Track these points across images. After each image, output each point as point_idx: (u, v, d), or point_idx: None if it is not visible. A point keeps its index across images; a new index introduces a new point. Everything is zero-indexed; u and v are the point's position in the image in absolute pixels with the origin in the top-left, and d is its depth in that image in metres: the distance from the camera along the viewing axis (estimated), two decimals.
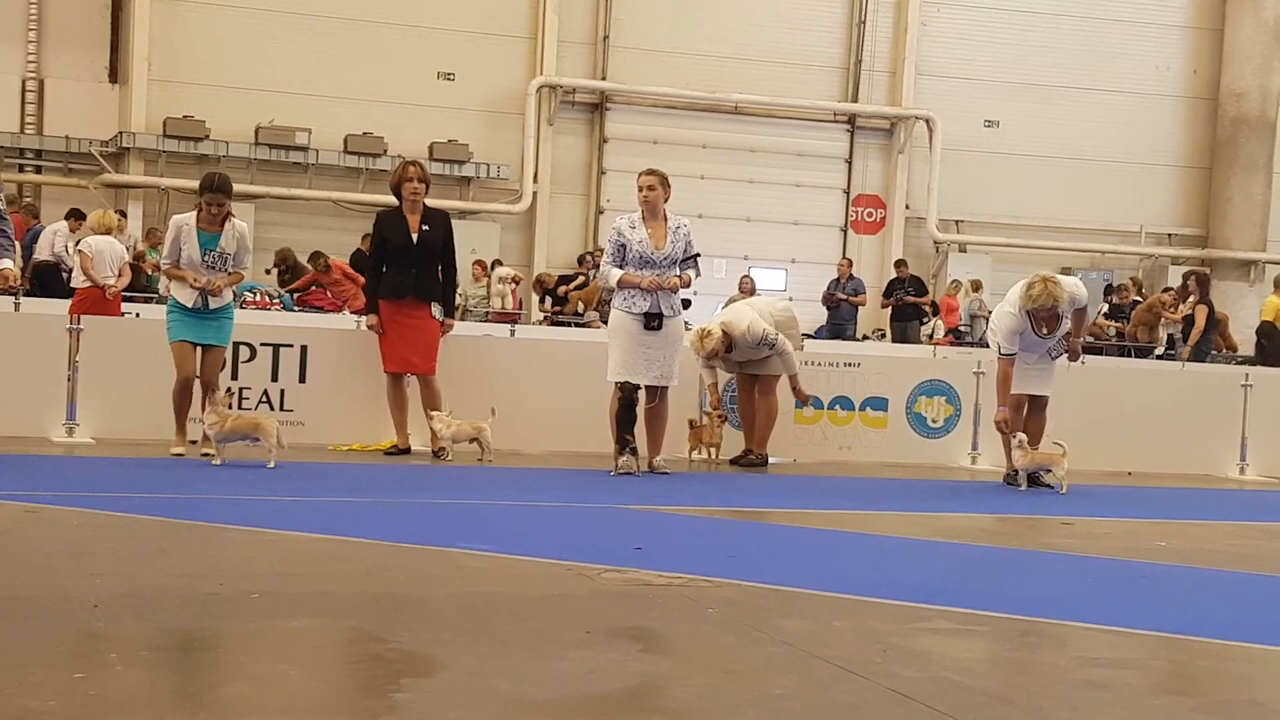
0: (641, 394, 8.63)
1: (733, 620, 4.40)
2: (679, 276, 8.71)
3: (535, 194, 22.97)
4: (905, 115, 24.39)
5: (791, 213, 24.16)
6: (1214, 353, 18.83)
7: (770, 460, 9.73)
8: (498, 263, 20.56)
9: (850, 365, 10.51)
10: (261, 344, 9.27)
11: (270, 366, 9.27)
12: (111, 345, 9.11)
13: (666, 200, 8.79)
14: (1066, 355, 9.23)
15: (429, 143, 21.99)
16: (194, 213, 8.52)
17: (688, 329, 9.39)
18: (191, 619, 4.10)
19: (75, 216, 16.40)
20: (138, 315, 12.89)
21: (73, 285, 12.49)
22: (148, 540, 5.49)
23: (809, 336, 16.71)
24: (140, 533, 5.63)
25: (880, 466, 10.00)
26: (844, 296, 20.86)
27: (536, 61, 22.91)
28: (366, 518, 6.36)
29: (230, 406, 8.47)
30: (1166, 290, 20.91)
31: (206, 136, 21.40)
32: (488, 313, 19.09)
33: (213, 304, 8.37)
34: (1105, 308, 21.78)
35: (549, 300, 20.36)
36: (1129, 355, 19.65)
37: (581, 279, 20.37)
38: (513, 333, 15.08)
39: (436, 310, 9.15)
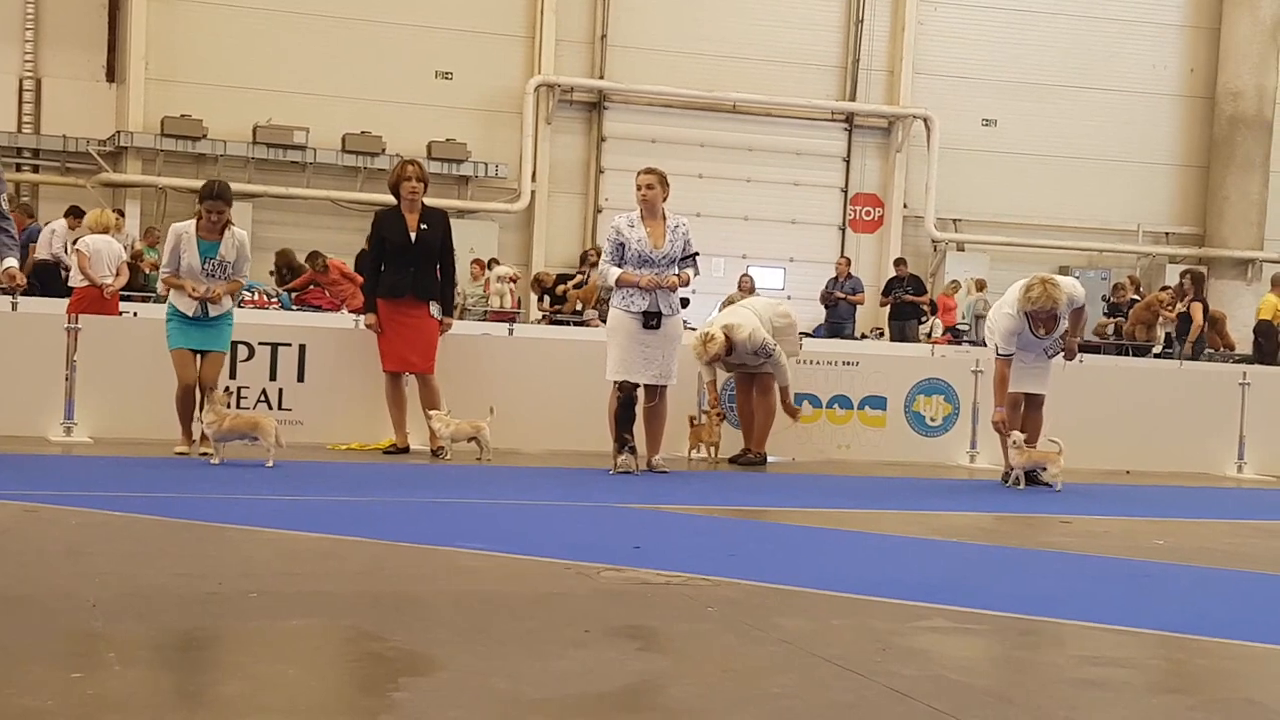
0: (640, 393, 8.63)
1: (732, 619, 4.40)
2: (677, 275, 8.71)
3: (533, 193, 22.96)
4: (903, 114, 24.39)
5: (789, 211, 24.17)
6: (1210, 351, 18.85)
7: (769, 459, 9.73)
8: (494, 261, 20.56)
9: (849, 364, 10.52)
10: (260, 343, 9.26)
11: (269, 365, 9.26)
12: (109, 344, 9.10)
13: (665, 199, 8.79)
14: (1063, 355, 9.23)
15: (427, 142, 21.97)
16: (193, 221, 8.53)
17: (687, 328, 9.39)
18: (190, 618, 4.10)
19: (74, 215, 16.39)
20: (135, 314, 12.88)
21: (71, 284, 12.48)
22: (146, 539, 5.49)
23: (807, 335, 16.71)
24: (139, 532, 5.63)
25: (879, 465, 10.00)
26: (842, 295, 20.86)
27: (534, 60, 22.91)
28: (365, 517, 6.36)
29: (229, 405, 8.46)
30: (1164, 289, 20.92)
31: (204, 136, 21.39)
32: (486, 311, 19.08)
33: (212, 311, 8.39)
34: (1104, 306, 21.80)
35: (547, 299, 20.36)
36: (1127, 354, 19.67)
37: (580, 277, 20.38)
38: (511, 332, 15.07)
39: (435, 309, 9.15)
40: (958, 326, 21.64)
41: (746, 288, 18.40)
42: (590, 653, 3.86)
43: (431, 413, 8.87)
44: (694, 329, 12.60)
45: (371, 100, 21.88)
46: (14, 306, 12.31)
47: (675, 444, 9.40)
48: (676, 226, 8.77)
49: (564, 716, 3.27)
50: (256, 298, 17.00)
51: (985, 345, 10.01)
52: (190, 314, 8.32)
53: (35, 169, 21.81)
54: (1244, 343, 20.30)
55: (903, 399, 10.42)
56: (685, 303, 10.64)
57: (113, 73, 21.96)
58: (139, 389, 8.81)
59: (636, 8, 23.27)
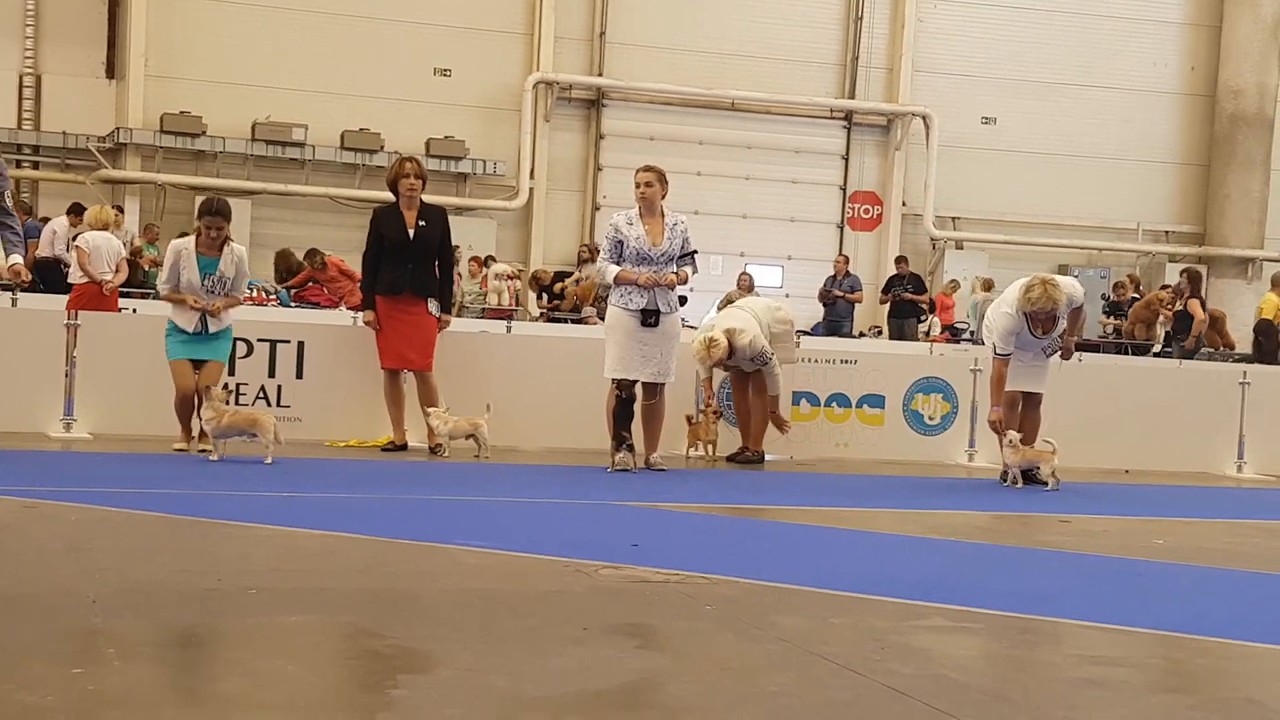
0: (638, 390, 8.63)
1: (730, 617, 4.40)
2: (676, 273, 8.71)
3: (532, 190, 22.96)
4: (902, 112, 24.39)
5: (788, 209, 24.17)
6: (1210, 350, 18.85)
7: (767, 457, 9.74)
8: (491, 259, 20.56)
9: (847, 362, 10.52)
10: (259, 340, 9.26)
11: (267, 362, 9.26)
12: (109, 341, 9.10)
13: (664, 197, 8.78)
14: (1060, 354, 9.23)
15: (425, 139, 21.97)
16: (192, 237, 8.60)
17: (685, 326, 9.38)
18: (189, 614, 4.10)
19: (75, 212, 16.37)
20: (135, 311, 12.86)
21: (70, 281, 12.48)
22: (146, 536, 5.49)
23: (805, 333, 16.72)
24: (138, 528, 5.63)
25: (877, 464, 10.00)
26: (840, 293, 20.85)
27: (533, 57, 22.90)
28: (363, 514, 6.36)
29: (227, 402, 8.46)
30: (1164, 288, 20.93)
31: (203, 132, 21.39)
32: (483, 309, 19.08)
33: (212, 327, 8.41)
34: (1105, 305, 21.80)
35: (545, 297, 20.36)
36: (1126, 353, 19.67)
37: (577, 274, 20.38)
38: (509, 329, 15.07)
39: (433, 306, 9.15)
40: (956, 325, 21.63)
41: (745, 286, 18.40)
42: (588, 650, 3.86)
43: (430, 410, 8.87)
44: (692, 327, 12.61)
45: (370, 97, 21.87)
46: (14, 303, 12.32)
47: (673, 442, 9.40)
48: (675, 224, 8.77)
49: (562, 714, 3.27)
50: (255, 294, 16.99)
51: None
52: (190, 329, 8.37)
53: (35, 165, 21.80)
54: (1244, 342, 20.30)
55: (901, 397, 10.42)
56: (683, 300, 10.66)
57: (112, 69, 21.95)
58: (138, 385, 8.81)
59: (635, 5, 23.26)
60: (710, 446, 9.56)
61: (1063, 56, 24.71)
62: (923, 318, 21.38)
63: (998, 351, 8.91)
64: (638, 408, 8.67)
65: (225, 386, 8.76)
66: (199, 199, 21.35)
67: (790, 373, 9.82)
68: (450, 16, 22.41)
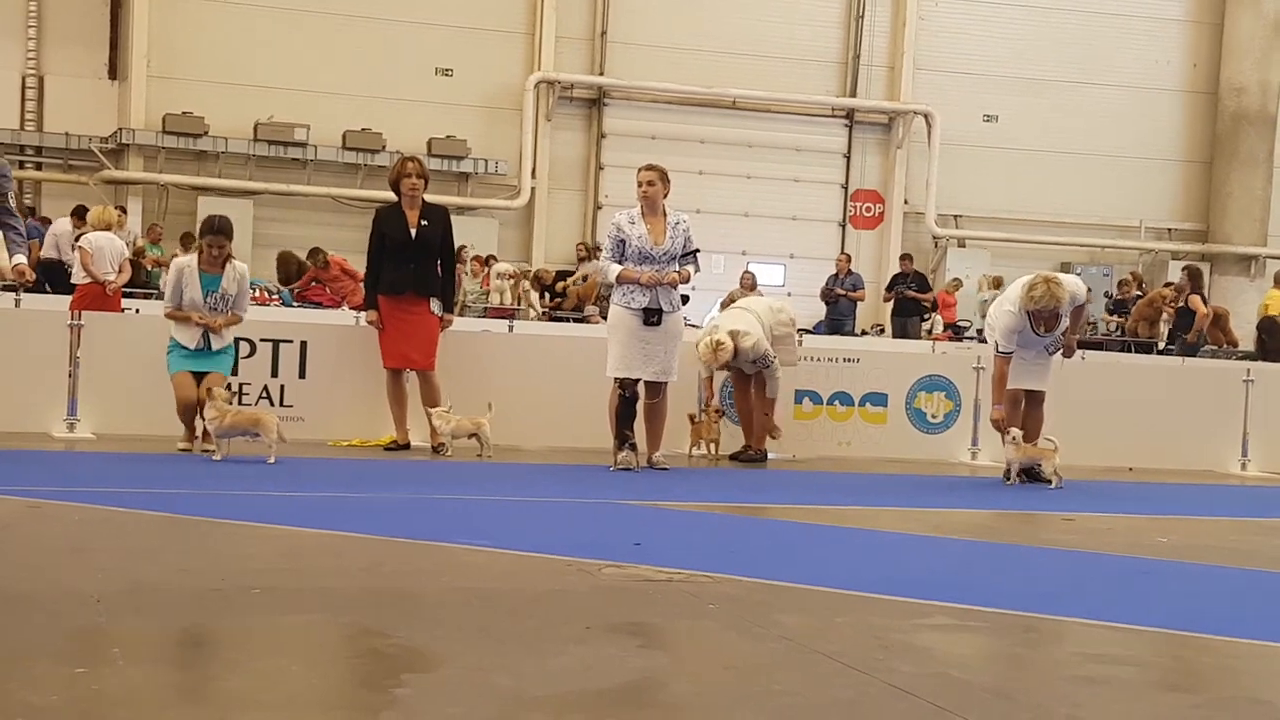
0: (641, 389, 8.63)
1: (732, 616, 4.40)
2: (678, 272, 8.71)
3: (533, 189, 22.97)
4: (904, 110, 24.38)
5: (790, 208, 24.16)
6: (1213, 347, 18.85)
7: (769, 456, 9.74)
8: (492, 258, 20.57)
9: (850, 361, 10.51)
10: (261, 339, 9.27)
11: (270, 362, 9.27)
12: (112, 341, 9.11)
13: (666, 196, 8.78)
14: (1062, 352, 9.22)
15: (427, 138, 21.99)
16: (194, 255, 8.68)
17: (687, 325, 9.38)
18: (193, 614, 4.10)
19: (78, 215, 16.37)
20: (138, 311, 12.87)
21: (73, 282, 12.48)
22: (149, 535, 5.49)
23: (808, 332, 16.71)
24: (141, 528, 5.63)
25: (880, 462, 10.00)
26: (842, 292, 20.85)
27: (534, 57, 22.91)
28: (366, 513, 6.36)
29: (230, 402, 8.47)
30: (1168, 285, 20.93)
31: (205, 133, 21.41)
32: (485, 308, 19.09)
33: (215, 344, 8.44)
34: (1108, 303, 21.79)
35: (547, 296, 20.37)
36: (1130, 350, 19.66)
37: (578, 274, 20.41)
38: (511, 328, 15.07)
39: (435, 306, 9.15)
40: (959, 324, 21.62)
41: (748, 284, 18.39)
42: (591, 649, 3.86)
43: (432, 409, 8.88)
44: (695, 326, 12.60)
45: (372, 97, 21.89)
46: (17, 303, 12.33)
47: (676, 441, 9.41)
48: (677, 223, 8.76)
49: (564, 713, 3.27)
50: (258, 294, 17.00)
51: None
52: (192, 346, 8.40)
53: (38, 166, 21.83)
54: (1247, 339, 20.29)
55: (904, 396, 10.41)
56: (686, 300, 10.64)
57: (115, 70, 21.97)
58: (142, 386, 8.81)
59: (637, 5, 23.27)
60: (713, 445, 9.56)
61: (1065, 54, 24.70)
62: (926, 316, 21.37)
63: (1000, 350, 8.90)
64: (640, 407, 8.67)
65: (228, 386, 8.77)
66: (201, 199, 21.53)
67: (792, 371, 9.82)
68: (452, 16, 22.42)
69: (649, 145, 21.83)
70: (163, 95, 21.32)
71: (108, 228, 12.48)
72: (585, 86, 23.34)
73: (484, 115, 22.78)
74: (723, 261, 21.99)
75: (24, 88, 21.60)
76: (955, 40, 24.50)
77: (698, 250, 8.89)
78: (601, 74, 23.29)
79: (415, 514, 6.48)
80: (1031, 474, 8.89)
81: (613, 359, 8.66)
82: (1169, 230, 25.96)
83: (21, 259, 8.00)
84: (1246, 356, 17.99)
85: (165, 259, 18.80)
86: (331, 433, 9.21)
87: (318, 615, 4.19)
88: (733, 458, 9.65)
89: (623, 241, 8.65)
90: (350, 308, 15.71)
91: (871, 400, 10.36)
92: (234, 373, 9.05)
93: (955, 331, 21.22)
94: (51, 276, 15.57)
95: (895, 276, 21.64)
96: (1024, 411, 9.07)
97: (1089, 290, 9.78)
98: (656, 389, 8.75)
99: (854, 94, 24.29)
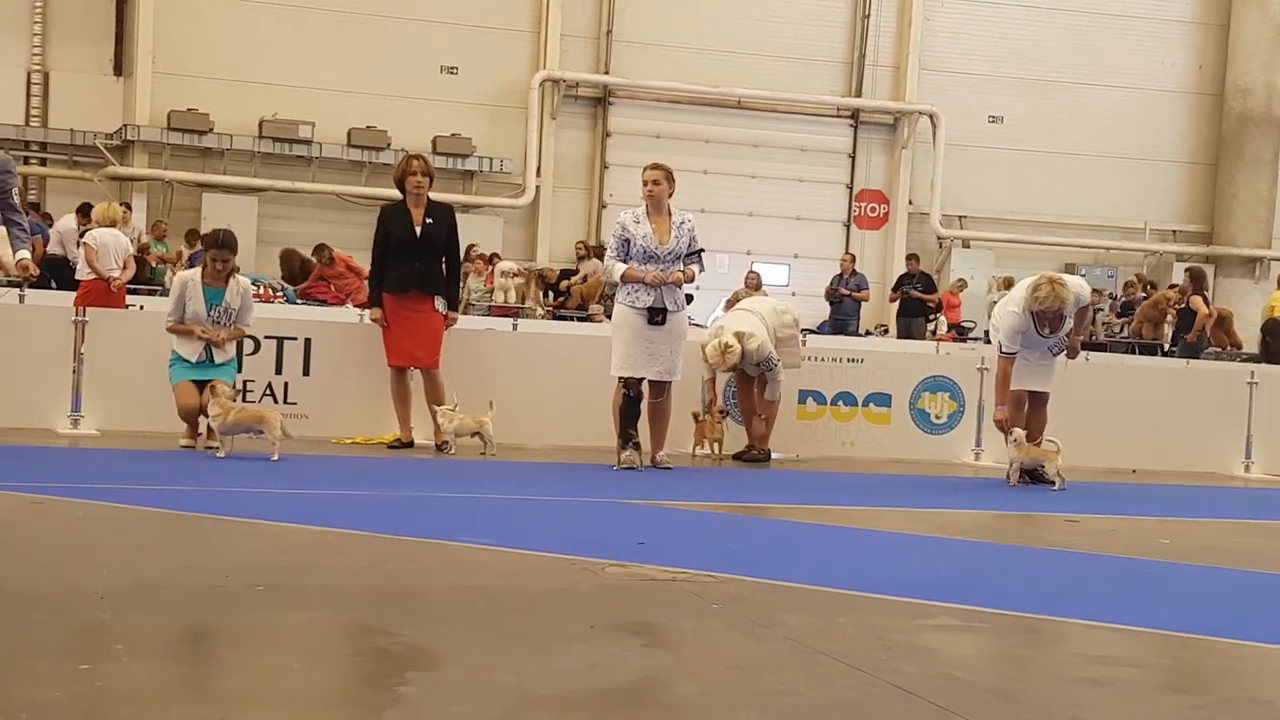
0: (645, 388, 8.63)
1: (736, 616, 4.40)
2: (682, 271, 8.71)
3: (538, 188, 22.97)
4: (909, 110, 24.36)
5: (794, 208, 24.15)
6: (1217, 349, 18.83)
7: (773, 456, 9.73)
8: (496, 256, 20.58)
9: (854, 361, 10.51)
10: (265, 337, 9.27)
11: (274, 359, 9.27)
12: (116, 337, 9.11)
13: (671, 195, 8.78)
14: (1066, 353, 9.22)
15: (432, 136, 21.99)
16: (198, 269, 8.72)
17: (692, 324, 9.38)
18: (196, 611, 4.11)
19: (83, 213, 16.39)
20: (142, 307, 12.89)
21: (78, 278, 12.50)
22: (152, 532, 5.50)
23: (811, 332, 16.70)
24: (145, 524, 5.64)
25: (883, 462, 9.99)
26: (847, 292, 20.84)
27: (540, 55, 22.91)
28: (370, 511, 6.36)
29: (234, 399, 8.47)
30: (1172, 287, 20.91)
31: (210, 130, 21.42)
32: (490, 306, 19.10)
33: (218, 358, 8.46)
34: (1112, 305, 21.74)
35: (551, 295, 20.38)
36: (1134, 352, 19.65)
37: (580, 275, 20.41)
38: (515, 327, 15.08)
39: (440, 304, 9.15)
40: (963, 324, 21.60)
41: (753, 284, 18.38)
42: (594, 649, 3.86)
43: (438, 407, 8.88)
44: (699, 325, 12.60)
45: (377, 95, 21.89)
46: (21, 299, 12.33)
47: (680, 440, 9.40)
48: (682, 223, 8.76)
49: (568, 712, 3.27)
50: (262, 291, 17.01)
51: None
52: (194, 360, 8.41)
53: (43, 162, 21.84)
54: (1251, 341, 20.27)
55: (908, 396, 10.41)
56: (690, 299, 10.64)
57: (120, 66, 21.98)
58: (146, 382, 8.81)
59: (642, 3, 23.26)
60: (716, 445, 9.56)
61: (1070, 55, 24.67)
62: (931, 317, 21.35)
63: (1004, 350, 8.90)
64: (644, 406, 8.67)
65: (232, 384, 8.78)
66: (206, 196, 21.54)
67: (796, 371, 9.82)
68: (457, 14, 22.42)
69: (654, 144, 21.83)
70: (168, 92, 21.33)
71: (112, 224, 12.50)
72: (590, 85, 23.34)
73: (489, 113, 22.79)
74: (727, 261, 21.97)
75: (29, 83, 21.60)
76: (961, 41, 24.48)
77: (702, 250, 8.89)
78: (607, 73, 23.28)
79: (419, 512, 6.48)
80: (1035, 475, 8.89)
81: (617, 358, 8.66)
82: (1173, 232, 25.93)
83: (25, 254, 8.01)
84: (1251, 359, 17.97)
85: (170, 255, 18.84)
86: (335, 430, 9.22)
87: (321, 613, 4.19)
88: (736, 457, 9.65)
89: (627, 241, 8.65)
90: (355, 305, 15.73)
91: (875, 401, 10.35)
92: (239, 367, 9.05)
93: (959, 332, 21.20)
94: (58, 273, 15.59)
95: (901, 277, 21.62)
96: (1028, 412, 9.07)
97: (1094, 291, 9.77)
98: (661, 388, 8.76)
99: (859, 94, 24.28)
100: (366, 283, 10.64)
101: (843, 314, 20.82)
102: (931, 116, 24.22)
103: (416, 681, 3.47)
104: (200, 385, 8.32)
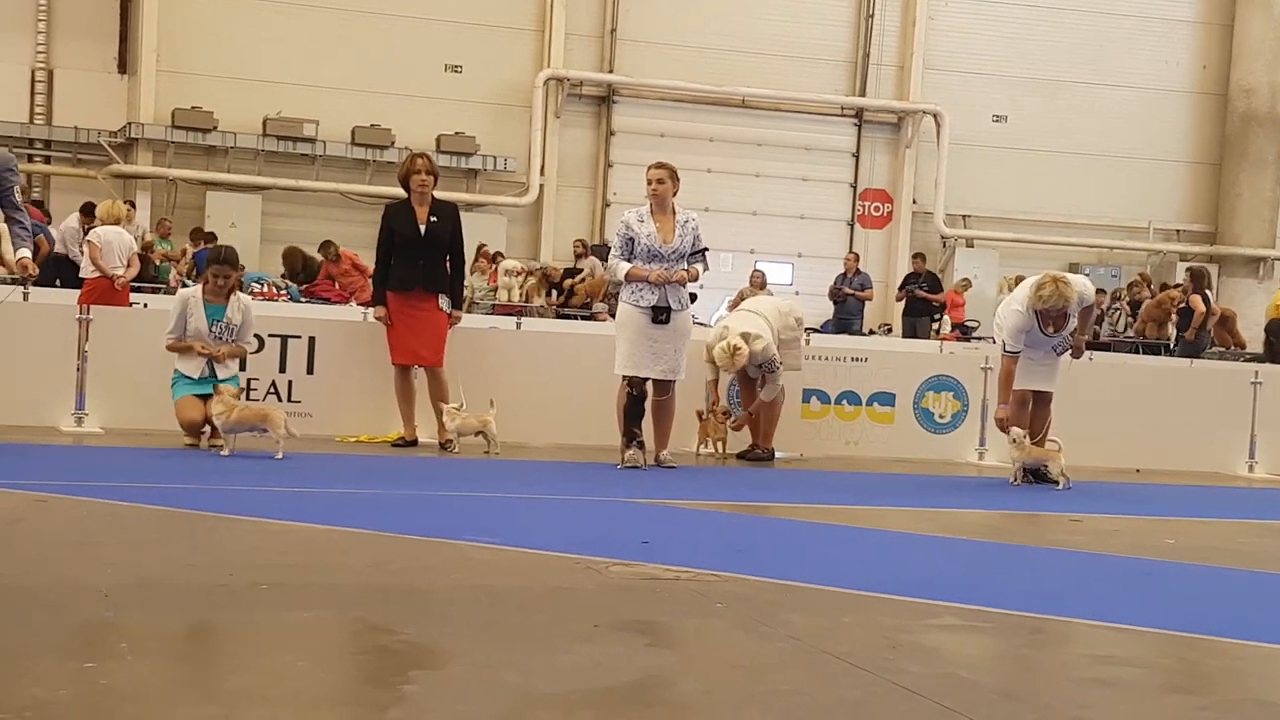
0: (649, 387, 8.63)
1: (740, 615, 4.39)
2: (686, 270, 8.70)
3: (542, 187, 22.97)
4: (913, 109, 24.35)
5: (798, 207, 24.15)
6: (1221, 349, 18.82)
7: (777, 455, 9.73)
8: (499, 255, 20.58)
9: (857, 360, 10.50)
10: (269, 335, 9.28)
11: (278, 358, 9.28)
12: (120, 335, 9.12)
13: (675, 194, 8.78)
14: (1070, 352, 9.21)
15: (436, 135, 22.00)
16: (200, 286, 8.77)
17: (696, 323, 9.37)
18: (200, 609, 4.11)
19: (87, 212, 16.40)
20: (146, 305, 12.90)
21: (82, 276, 12.51)
22: (156, 530, 5.50)
23: (815, 331, 16.70)
24: (149, 523, 5.64)
25: (887, 462, 9.99)
26: (851, 291, 20.84)
27: (544, 54, 22.91)
28: (373, 509, 6.36)
29: (238, 398, 8.48)
30: (1176, 286, 20.89)
31: (214, 128, 21.43)
32: (493, 305, 19.10)
33: (220, 374, 8.47)
34: (1115, 305, 21.71)
35: (555, 293, 20.38)
36: (1138, 351, 19.63)
37: (583, 273, 20.41)
38: (519, 325, 15.08)
39: (444, 302, 9.16)
40: (967, 324, 21.58)
41: (758, 283, 18.38)
42: (598, 647, 3.86)
43: (443, 406, 8.88)
44: (703, 324, 12.59)
45: (381, 93, 21.90)
46: (25, 297, 12.33)
47: (683, 439, 9.40)
48: (686, 222, 8.76)
49: (572, 711, 3.27)
50: (266, 289, 17.02)
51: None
52: (196, 377, 8.42)
53: (47, 160, 21.86)
54: (1256, 341, 20.25)
55: (911, 395, 10.40)
56: (694, 298, 10.64)
57: (124, 64, 21.99)
58: (150, 380, 8.82)
59: (646, 2, 23.26)
60: (720, 444, 9.55)
61: (1074, 55, 24.66)
62: (936, 316, 21.34)
63: (1007, 349, 8.89)
64: (648, 405, 8.67)
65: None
66: (210, 194, 21.55)
67: (799, 371, 9.81)
68: (461, 13, 22.43)
69: (658, 143, 21.84)
70: (172, 90, 21.34)
71: (116, 222, 12.52)
72: (595, 84, 23.34)
73: (493, 112, 22.79)
74: (731, 260, 21.97)
75: (33, 81, 21.62)
76: (965, 40, 24.47)
77: (706, 249, 8.89)
78: (611, 71, 23.28)
79: (423, 510, 6.49)
80: (1039, 475, 8.88)
81: (621, 357, 8.66)
82: (1177, 231, 25.91)
83: (25, 253, 7.98)
84: (1254, 359, 17.96)
85: (174, 254, 18.86)
86: (339, 428, 9.22)
87: (325, 611, 4.19)
88: (740, 456, 9.65)
89: (631, 239, 8.65)
90: (358, 304, 15.74)
91: (879, 400, 10.35)
92: (242, 365, 9.05)
93: (963, 332, 21.19)
94: (63, 272, 15.60)
95: (907, 276, 21.60)
96: (1031, 411, 9.06)
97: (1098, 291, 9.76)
98: (664, 387, 8.76)
99: (863, 93, 24.27)
100: (371, 281, 10.65)
101: (846, 313, 20.82)
102: (935, 116, 24.21)
103: (420, 680, 3.47)
104: (203, 400, 8.33)
